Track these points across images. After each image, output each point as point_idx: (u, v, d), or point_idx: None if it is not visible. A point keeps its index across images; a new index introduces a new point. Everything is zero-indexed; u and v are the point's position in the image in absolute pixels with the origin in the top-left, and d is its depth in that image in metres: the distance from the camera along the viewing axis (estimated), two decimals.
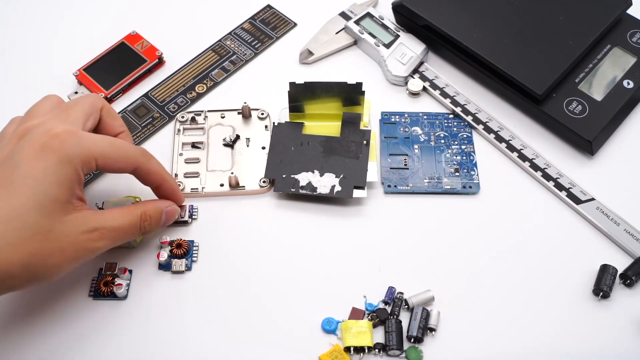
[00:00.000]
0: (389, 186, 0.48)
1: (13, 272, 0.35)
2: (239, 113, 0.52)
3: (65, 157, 0.37)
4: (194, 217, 0.47)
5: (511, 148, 0.50)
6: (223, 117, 0.51)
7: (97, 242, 0.39)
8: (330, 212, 0.47)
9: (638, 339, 0.42)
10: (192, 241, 0.46)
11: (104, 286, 0.43)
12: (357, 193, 0.47)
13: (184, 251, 0.45)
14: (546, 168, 0.49)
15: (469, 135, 0.51)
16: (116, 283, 0.43)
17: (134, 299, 0.44)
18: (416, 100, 0.53)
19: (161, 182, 0.44)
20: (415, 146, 0.50)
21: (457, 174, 0.49)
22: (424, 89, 0.53)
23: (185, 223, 0.46)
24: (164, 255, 0.44)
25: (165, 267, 0.45)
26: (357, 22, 0.56)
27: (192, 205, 0.47)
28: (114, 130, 0.44)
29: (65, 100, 0.44)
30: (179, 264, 0.44)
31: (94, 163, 0.39)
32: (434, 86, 0.53)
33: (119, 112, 0.52)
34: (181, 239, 0.45)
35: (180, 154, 0.49)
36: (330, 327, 0.42)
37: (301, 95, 0.49)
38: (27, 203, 0.36)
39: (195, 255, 0.45)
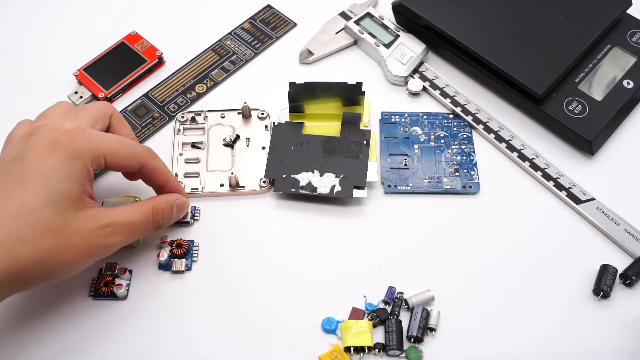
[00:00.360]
0: (389, 186, 0.48)
1: (27, 269, 0.35)
2: (239, 113, 0.52)
3: (75, 153, 0.37)
4: (195, 218, 0.47)
5: (511, 148, 0.50)
6: (223, 117, 0.51)
7: (110, 238, 0.39)
8: (330, 212, 0.47)
9: (638, 339, 0.42)
10: (192, 241, 0.46)
11: (104, 286, 0.43)
12: (357, 193, 0.47)
13: (184, 251, 0.45)
14: (546, 168, 0.49)
15: (469, 135, 0.51)
16: (116, 283, 0.43)
17: (134, 299, 0.44)
18: (416, 100, 0.53)
19: (165, 181, 0.44)
20: (415, 146, 0.50)
21: (457, 174, 0.49)
22: (424, 89, 0.53)
23: (187, 224, 0.46)
24: (164, 255, 0.44)
25: (165, 267, 0.45)
26: (357, 22, 0.56)
27: (194, 207, 0.47)
28: None
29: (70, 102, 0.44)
30: (179, 263, 0.44)
31: (103, 159, 0.39)
32: (434, 86, 0.53)
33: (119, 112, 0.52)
34: (181, 239, 0.45)
35: (180, 154, 0.49)
36: (330, 327, 0.42)
37: (301, 95, 0.49)
38: (38, 199, 0.36)
39: (195, 255, 0.45)
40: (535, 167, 0.49)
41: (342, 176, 0.47)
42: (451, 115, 0.52)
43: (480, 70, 0.52)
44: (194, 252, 0.45)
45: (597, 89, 0.50)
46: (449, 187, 0.48)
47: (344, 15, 0.57)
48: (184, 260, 0.45)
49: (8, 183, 0.36)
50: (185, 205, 0.45)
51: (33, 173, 0.36)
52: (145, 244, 0.46)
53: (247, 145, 0.50)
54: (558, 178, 0.48)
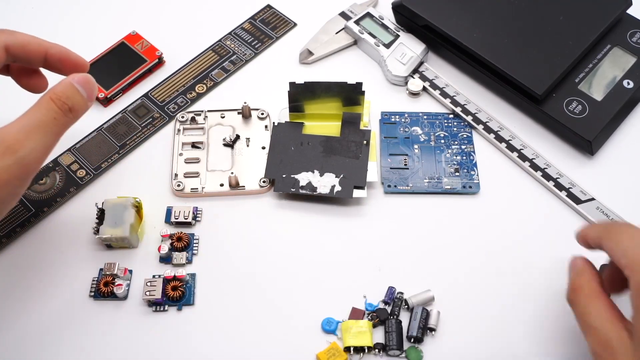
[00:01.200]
0: (389, 186, 0.48)
1: None
2: (239, 113, 0.52)
3: None
4: (197, 219, 0.47)
5: (511, 148, 0.50)
6: (223, 117, 0.51)
7: (20, 151, 0.35)
8: (330, 212, 0.47)
9: None
10: (192, 234, 0.46)
11: (104, 286, 0.43)
12: (357, 193, 0.47)
13: (185, 244, 0.45)
14: (546, 168, 0.49)
15: (469, 135, 0.51)
16: (116, 283, 0.43)
17: (134, 299, 0.44)
18: (416, 100, 0.53)
19: (45, 48, 0.39)
20: (415, 146, 0.50)
21: (457, 174, 0.49)
22: (424, 89, 0.53)
23: (188, 224, 0.46)
24: (165, 248, 0.44)
25: (166, 260, 0.45)
26: (357, 22, 0.56)
27: (196, 207, 0.47)
28: (40, 55, 0.40)
29: None
30: (179, 257, 0.44)
31: None
32: (434, 86, 0.53)
33: (119, 112, 0.52)
34: (181, 232, 0.45)
35: (180, 154, 0.49)
36: (330, 327, 0.42)
37: (301, 95, 0.49)
38: None
39: (196, 253, 0.45)
40: (535, 167, 0.49)
41: (342, 176, 0.47)
42: (451, 115, 0.52)
43: (480, 70, 0.52)
44: (194, 249, 0.45)
45: (597, 89, 0.50)
46: (449, 187, 0.48)
47: (344, 15, 0.57)
48: (184, 253, 0.45)
49: None
50: (86, 78, 0.39)
51: None
52: (145, 244, 0.46)
53: (247, 145, 0.50)
54: (558, 178, 0.48)
